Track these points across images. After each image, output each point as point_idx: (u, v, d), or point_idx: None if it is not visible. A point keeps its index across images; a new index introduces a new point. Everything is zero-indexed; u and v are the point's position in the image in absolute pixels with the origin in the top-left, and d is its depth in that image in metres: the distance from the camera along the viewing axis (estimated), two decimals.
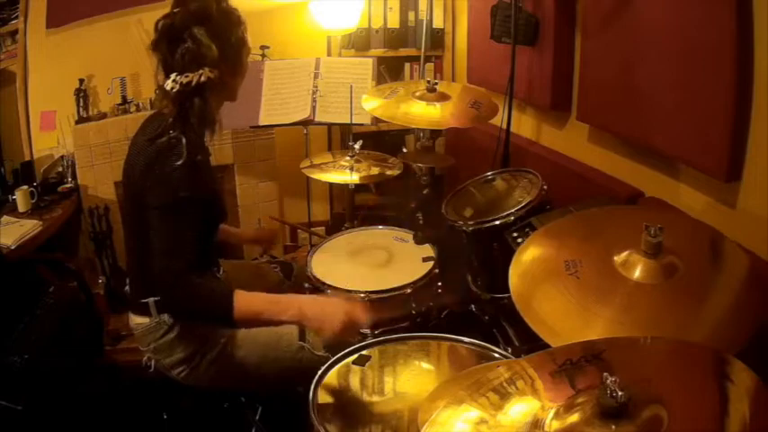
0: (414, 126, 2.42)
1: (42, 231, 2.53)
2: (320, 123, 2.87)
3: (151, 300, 1.53)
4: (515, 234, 1.74)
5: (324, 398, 1.36)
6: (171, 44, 1.48)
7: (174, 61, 1.48)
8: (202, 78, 1.48)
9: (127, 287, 1.67)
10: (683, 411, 0.80)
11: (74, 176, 3.00)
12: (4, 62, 2.98)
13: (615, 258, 1.20)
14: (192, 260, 1.42)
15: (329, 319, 1.48)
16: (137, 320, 1.59)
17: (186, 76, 1.47)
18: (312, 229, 3.09)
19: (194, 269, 1.42)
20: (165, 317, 1.54)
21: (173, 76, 1.48)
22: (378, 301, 1.79)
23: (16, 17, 2.93)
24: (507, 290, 1.25)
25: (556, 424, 0.84)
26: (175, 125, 1.47)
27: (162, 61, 1.51)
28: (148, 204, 1.44)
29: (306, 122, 2.84)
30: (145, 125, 1.59)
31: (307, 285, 1.92)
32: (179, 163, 1.43)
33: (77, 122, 2.99)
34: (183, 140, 1.45)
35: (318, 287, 1.86)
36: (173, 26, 1.49)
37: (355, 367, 1.46)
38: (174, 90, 1.47)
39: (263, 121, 2.84)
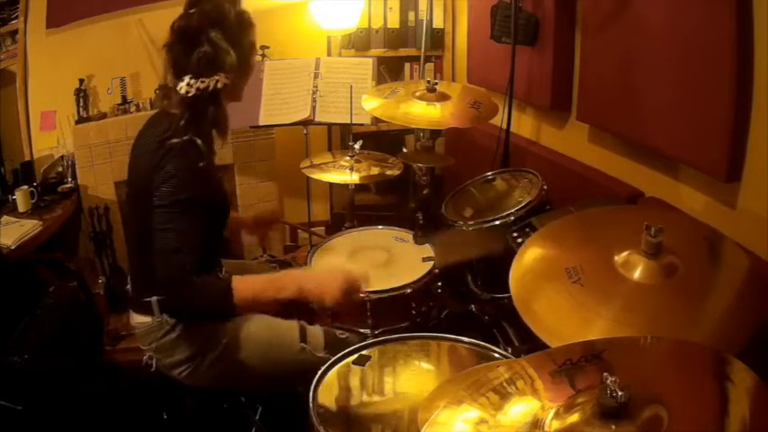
0: (414, 126, 2.42)
1: (42, 231, 2.53)
2: (320, 123, 2.87)
3: (154, 299, 1.52)
4: (515, 234, 1.74)
5: (324, 398, 1.35)
6: (187, 46, 1.46)
7: (189, 64, 1.45)
8: (219, 85, 1.47)
9: (128, 285, 1.66)
10: (683, 411, 0.80)
11: (74, 176, 2.99)
12: (4, 62, 2.97)
13: (615, 259, 1.21)
14: (195, 260, 1.41)
15: (328, 288, 1.49)
16: (138, 319, 1.59)
17: (203, 81, 1.45)
18: (312, 229, 3.09)
19: (196, 269, 1.42)
20: (167, 316, 1.54)
21: (187, 79, 1.45)
22: (378, 300, 1.79)
23: (16, 17, 2.93)
24: (507, 290, 1.25)
25: (556, 424, 0.84)
26: (189, 128, 1.45)
27: (174, 62, 1.49)
28: (155, 203, 1.44)
29: (306, 122, 2.84)
30: (151, 124, 1.57)
31: None
32: (192, 165, 1.43)
33: (77, 122, 2.98)
34: (198, 142, 1.45)
35: None
36: (189, 28, 1.46)
37: (355, 367, 1.46)
38: (190, 94, 1.46)
39: (263, 121, 2.84)
